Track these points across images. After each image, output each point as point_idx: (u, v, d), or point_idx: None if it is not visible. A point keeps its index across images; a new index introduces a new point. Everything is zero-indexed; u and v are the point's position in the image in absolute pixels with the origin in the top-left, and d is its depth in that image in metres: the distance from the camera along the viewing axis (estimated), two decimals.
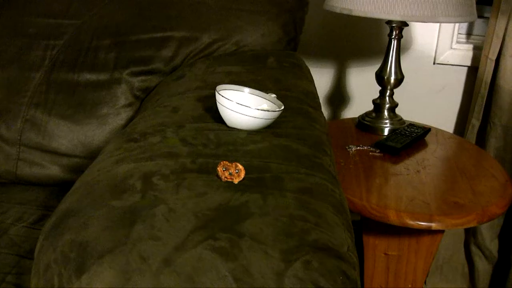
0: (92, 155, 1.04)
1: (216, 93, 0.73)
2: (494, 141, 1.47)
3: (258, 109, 0.72)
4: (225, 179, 0.60)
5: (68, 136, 1.04)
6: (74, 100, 1.05)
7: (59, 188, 1.05)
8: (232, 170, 0.60)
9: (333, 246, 0.52)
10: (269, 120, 0.73)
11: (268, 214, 0.54)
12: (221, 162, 0.60)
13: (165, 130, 0.73)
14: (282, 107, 0.75)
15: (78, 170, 1.04)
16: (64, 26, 1.12)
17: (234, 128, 0.74)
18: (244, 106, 0.71)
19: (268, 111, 0.72)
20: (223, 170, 0.60)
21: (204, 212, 0.53)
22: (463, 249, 1.61)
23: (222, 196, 0.56)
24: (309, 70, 1.10)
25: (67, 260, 0.51)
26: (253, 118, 0.72)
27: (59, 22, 1.13)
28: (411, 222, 0.94)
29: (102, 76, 1.07)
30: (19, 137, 1.04)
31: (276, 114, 0.74)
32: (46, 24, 1.13)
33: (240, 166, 0.60)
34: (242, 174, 0.60)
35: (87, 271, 0.49)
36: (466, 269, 1.62)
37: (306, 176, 0.63)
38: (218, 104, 0.73)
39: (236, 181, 0.59)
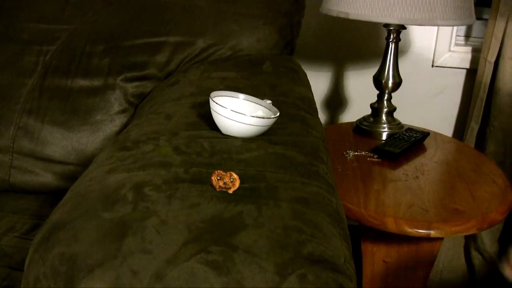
0: (86, 162, 1.02)
1: (210, 100, 0.72)
2: (493, 144, 1.46)
3: (253, 116, 0.70)
4: (220, 188, 0.58)
5: (62, 143, 1.03)
6: (67, 107, 1.04)
7: (52, 196, 1.03)
8: (226, 180, 0.58)
9: (329, 258, 0.51)
10: (264, 127, 0.72)
11: (262, 226, 0.52)
12: (215, 171, 0.59)
13: (158, 138, 0.72)
14: (278, 114, 0.74)
15: (72, 178, 1.02)
16: (57, 31, 1.11)
17: (229, 135, 0.73)
18: (238, 113, 0.69)
19: (263, 118, 0.71)
20: (217, 180, 0.59)
21: (197, 224, 0.52)
22: (463, 253, 1.60)
23: (215, 207, 0.55)
24: (305, 74, 1.09)
25: (57, 274, 0.50)
26: (248, 126, 0.70)
27: (52, 27, 1.11)
28: (410, 230, 0.93)
29: (96, 82, 1.06)
30: (11, 144, 1.03)
31: (271, 121, 0.72)
32: (39, 29, 1.11)
33: (235, 175, 0.58)
34: (237, 184, 0.58)
35: (77, 285, 0.48)
36: (466, 273, 1.61)
37: (301, 185, 0.62)
38: (212, 111, 0.72)
39: (230, 191, 0.58)
